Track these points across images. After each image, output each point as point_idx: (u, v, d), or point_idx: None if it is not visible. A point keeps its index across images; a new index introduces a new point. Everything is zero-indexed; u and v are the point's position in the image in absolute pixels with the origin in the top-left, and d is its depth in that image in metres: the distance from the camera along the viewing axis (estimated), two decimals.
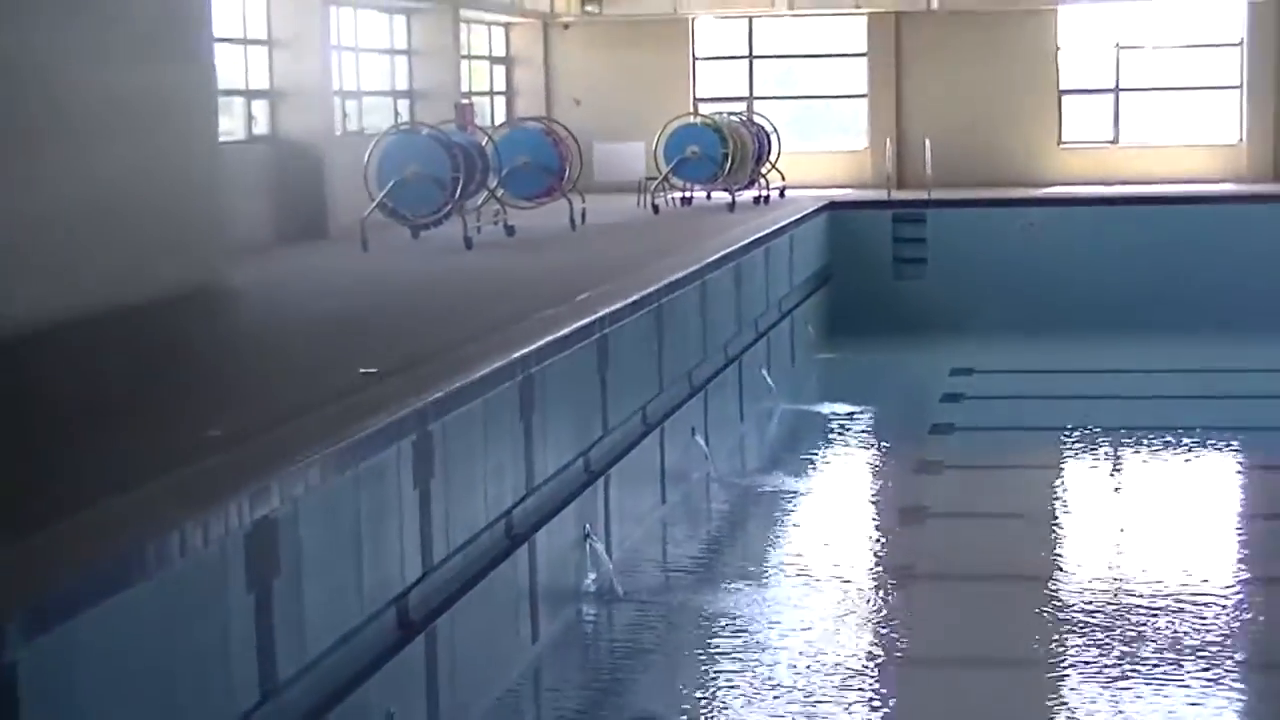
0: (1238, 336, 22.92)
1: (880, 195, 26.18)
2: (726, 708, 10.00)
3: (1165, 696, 10.06)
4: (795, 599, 12.06)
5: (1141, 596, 11.96)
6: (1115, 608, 11.71)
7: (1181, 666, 10.49)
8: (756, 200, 24.61)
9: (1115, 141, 28.35)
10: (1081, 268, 24.76)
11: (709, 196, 24.79)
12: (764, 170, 25.05)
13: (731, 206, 23.53)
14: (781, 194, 25.36)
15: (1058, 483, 16.45)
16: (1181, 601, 11.78)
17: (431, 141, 18.43)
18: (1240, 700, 10.27)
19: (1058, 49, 28.22)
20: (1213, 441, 17.45)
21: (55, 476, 7.36)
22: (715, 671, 10.58)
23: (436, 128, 19.02)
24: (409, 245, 18.27)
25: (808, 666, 10.58)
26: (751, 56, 29.27)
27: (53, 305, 11.99)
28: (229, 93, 18.42)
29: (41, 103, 12.12)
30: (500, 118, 27.38)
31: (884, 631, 11.47)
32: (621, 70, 28.73)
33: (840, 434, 18.38)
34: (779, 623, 11.49)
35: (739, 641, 11.15)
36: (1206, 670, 10.44)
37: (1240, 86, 27.96)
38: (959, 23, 27.98)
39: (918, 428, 18.45)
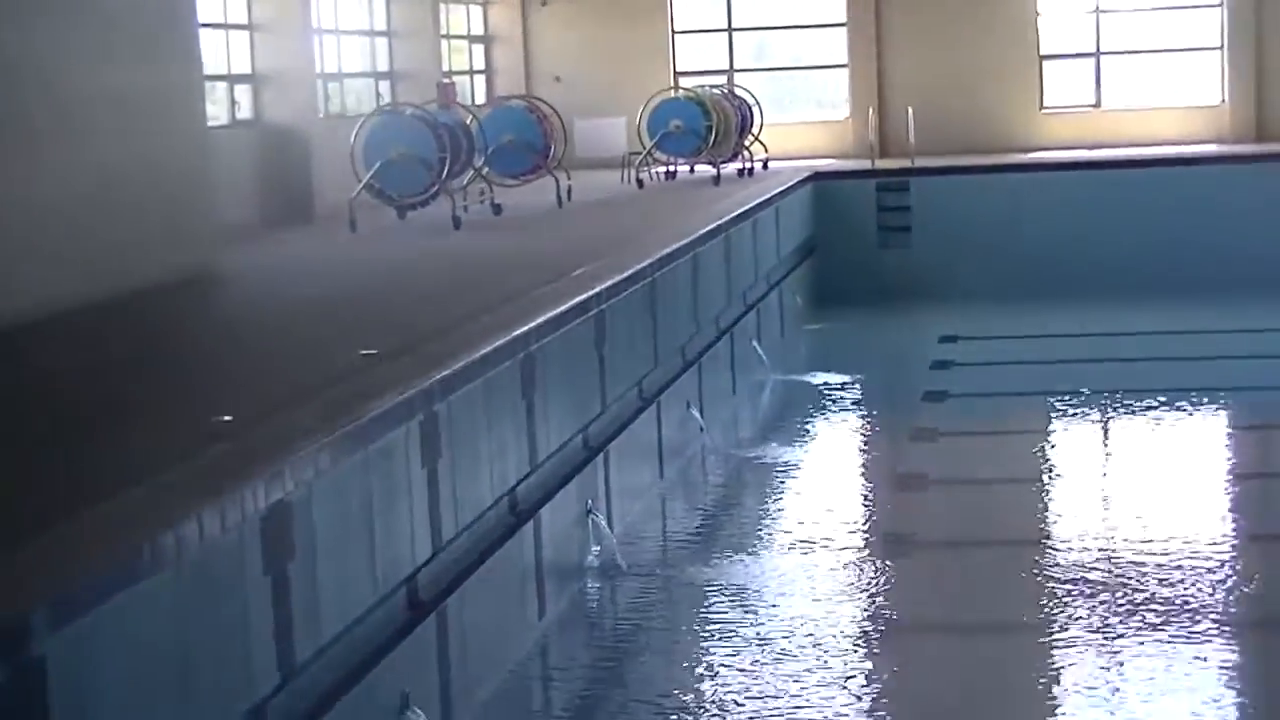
0: (1224, 297, 22.99)
1: (864, 165, 26.21)
2: (730, 679, 10.02)
3: (1165, 657, 10.12)
4: (796, 569, 12.09)
5: (1139, 558, 11.99)
6: (1114, 570, 11.74)
7: (1180, 626, 10.54)
8: (740, 173, 24.62)
9: (1097, 105, 28.39)
10: (1066, 232, 24.80)
11: (692, 170, 24.80)
12: (747, 143, 25.06)
13: (716, 180, 23.53)
14: (765, 166, 25.38)
15: (1052, 447, 16.50)
16: (1179, 562, 11.83)
17: (417, 122, 18.42)
18: (1237, 658, 10.33)
19: (1037, 14, 28.24)
20: (1203, 402, 17.51)
21: (69, 467, 7.35)
22: (718, 643, 10.61)
23: (422, 107, 19.00)
24: (397, 226, 18.27)
25: (810, 635, 10.60)
26: (730, 29, 29.26)
27: (52, 294, 11.99)
28: (212, 78, 18.37)
29: (38, 96, 12.11)
30: (480, 97, 27.36)
31: (886, 600, 11.50)
32: (600, 46, 28.71)
33: (833, 404, 18.41)
34: (781, 593, 11.54)
35: (741, 613, 11.19)
36: (1204, 629, 10.49)
37: (1221, 47, 28.01)
38: None
39: (910, 396, 18.48)
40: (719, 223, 17.49)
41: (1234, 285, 23.41)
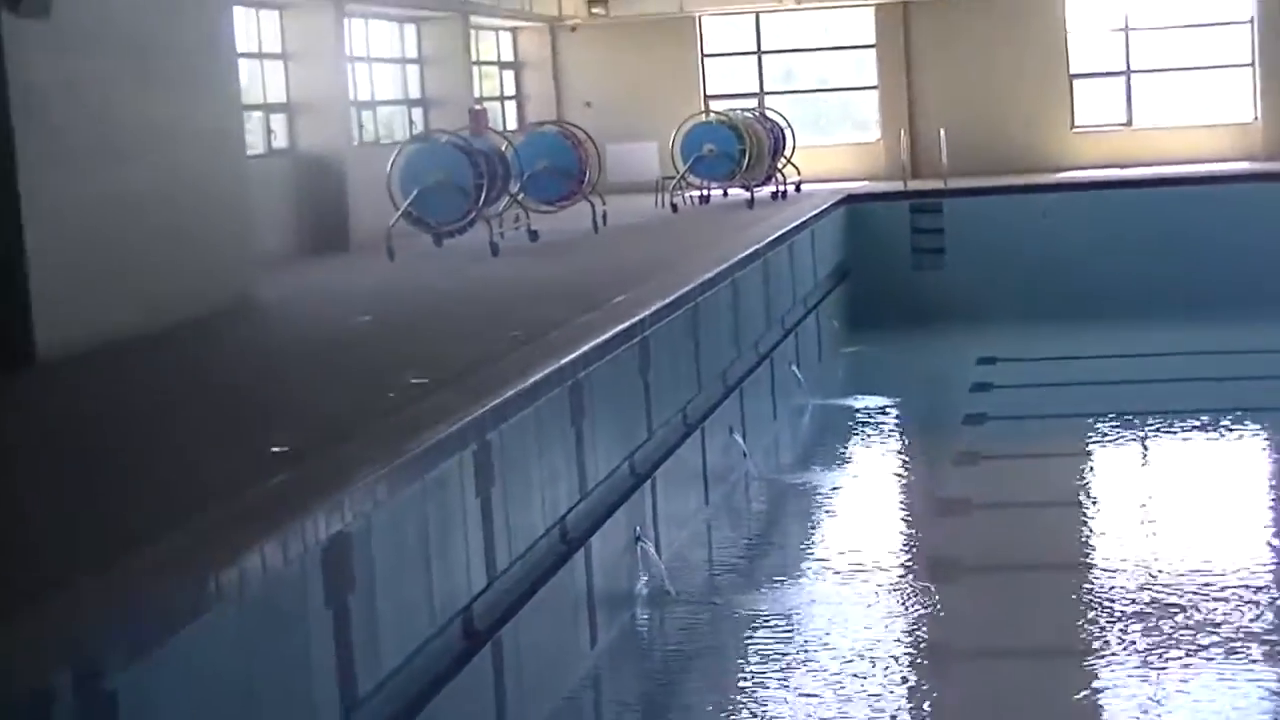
0: (1260, 315, 22.86)
1: (896, 186, 26.17)
2: (779, 707, 9.97)
3: (1210, 682, 10.03)
4: (842, 596, 12.04)
5: (1183, 582, 11.89)
6: (1159, 594, 11.63)
7: (1224, 650, 10.45)
8: (774, 196, 24.61)
9: (1128, 124, 28.34)
10: (1099, 252, 24.71)
11: (725, 194, 24.78)
12: (779, 165, 25.04)
13: (750, 203, 23.51)
14: (798, 188, 25.36)
15: (1094, 470, 16.43)
16: (1222, 585, 11.71)
17: (453, 149, 18.42)
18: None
19: (1067, 33, 28.20)
20: (1243, 423, 17.40)
21: (126, 501, 7.33)
22: (766, 670, 10.56)
23: (458, 134, 19.01)
24: (434, 253, 18.26)
25: (857, 662, 10.54)
26: (760, 52, 29.27)
27: (97, 325, 12.01)
28: (248, 107, 18.39)
29: (80, 126, 12.13)
30: (511, 123, 27.39)
31: (931, 625, 11.43)
32: (630, 71, 28.74)
33: (872, 428, 18.36)
34: (828, 619, 11.47)
35: (788, 640, 11.13)
36: (1249, 653, 10.41)
37: (1252, 64, 27.96)
38: (967, 10, 27.98)
39: (950, 419, 18.40)
40: (757, 247, 17.46)
41: (1270, 303, 23.28)
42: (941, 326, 23.87)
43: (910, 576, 12.64)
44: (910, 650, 10.94)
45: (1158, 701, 9.79)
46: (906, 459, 17.35)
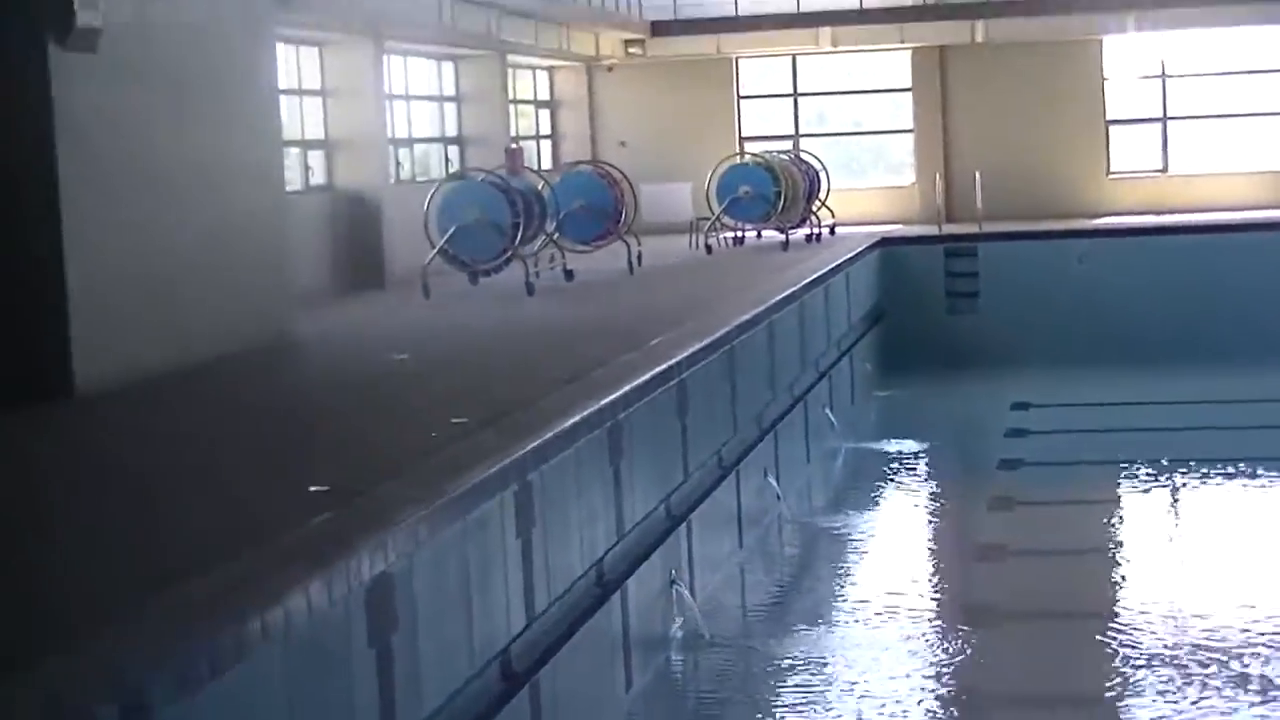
0: None
1: (931, 230, 26.15)
2: None
3: None
4: (876, 641, 11.99)
5: (1219, 631, 11.82)
6: (1196, 643, 11.58)
7: (1260, 701, 10.40)
8: (808, 238, 24.59)
9: (1164, 170, 28.30)
10: (1135, 298, 24.68)
11: (759, 235, 24.78)
12: (814, 208, 25.04)
13: (785, 245, 23.50)
14: (832, 231, 25.35)
15: (1130, 517, 16.36)
16: (1258, 635, 11.68)
17: (490, 187, 18.45)
18: None
19: (1104, 79, 28.19)
20: (1278, 472, 17.35)
21: (168, 539, 7.32)
22: (800, 715, 10.52)
23: (494, 173, 19.04)
24: (469, 292, 18.27)
25: (891, 708, 10.51)
26: (796, 94, 29.29)
27: (138, 360, 12.04)
28: (286, 143, 18.44)
29: (121, 162, 12.18)
30: (546, 162, 27.44)
31: (966, 673, 11.36)
32: (666, 111, 28.79)
33: (906, 472, 18.31)
34: (862, 665, 11.42)
35: (822, 685, 11.09)
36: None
37: None
38: (1004, 54, 27.98)
39: (985, 463, 18.37)
40: (792, 289, 17.44)
41: None
42: (976, 371, 23.83)
43: (945, 622, 12.58)
44: (944, 696, 10.90)
45: None
46: (941, 504, 17.29)
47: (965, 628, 12.35)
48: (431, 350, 13.97)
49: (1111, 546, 14.93)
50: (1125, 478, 17.30)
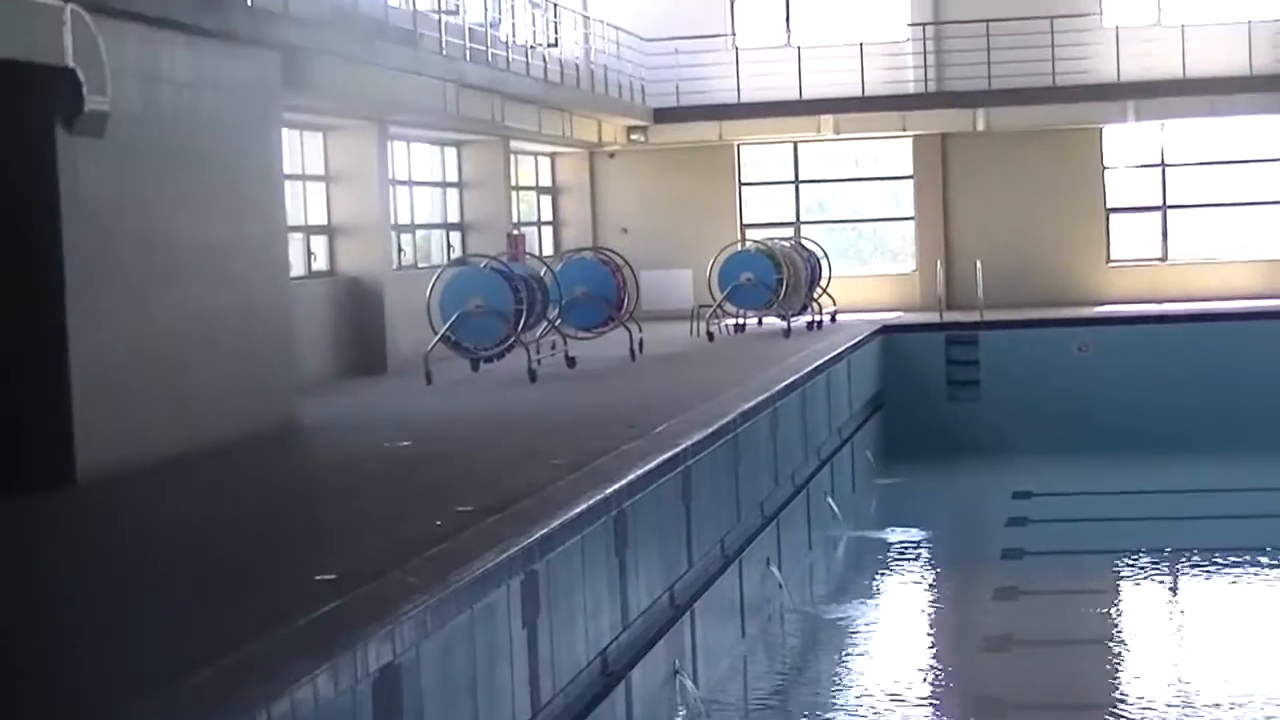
0: None
1: (932, 318, 26.17)
2: None
3: None
4: None
5: None
6: None
7: None
8: (810, 325, 24.59)
9: (1164, 258, 28.33)
10: (1135, 386, 24.67)
11: (760, 322, 24.78)
12: (816, 295, 25.05)
13: (787, 333, 23.49)
14: (834, 318, 25.36)
15: (1134, 607, 16.30)
16: None
17: (493, 274, 18.45)
18: None
19: (1104, 167, 28.27)
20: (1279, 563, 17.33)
21: (176, 628, 7.28)
22: None
23: (497, 259, 19.05)
24: (471, 379, 18.23)
25: None
26: (797, 181, 29.37)
27: (143, 444, 12.01)
28: (290, 229, 18.45)
29: (130, 246, 12.20)
30: (548, 247, 27.47)
31: None
32: (667, 197, 28.85)
33: (910, 561, 18.24)
34: None
35: None
36: None
37: None
38: (1005, 142, 28.07)
39: (988, 553, 18.32)
40: (795, 377, 17.41)
41: None
42: (976, 459, 23.80)
43: (950, 714, 12.50)
44: None
45: None
46: (943, 593, 17.21)
47: (973, 719, 12.27)
48: (435, 437, 13.93)
49: (1116, 637, 14.86)
50: (1128, 567, 17.25)
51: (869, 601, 16.32)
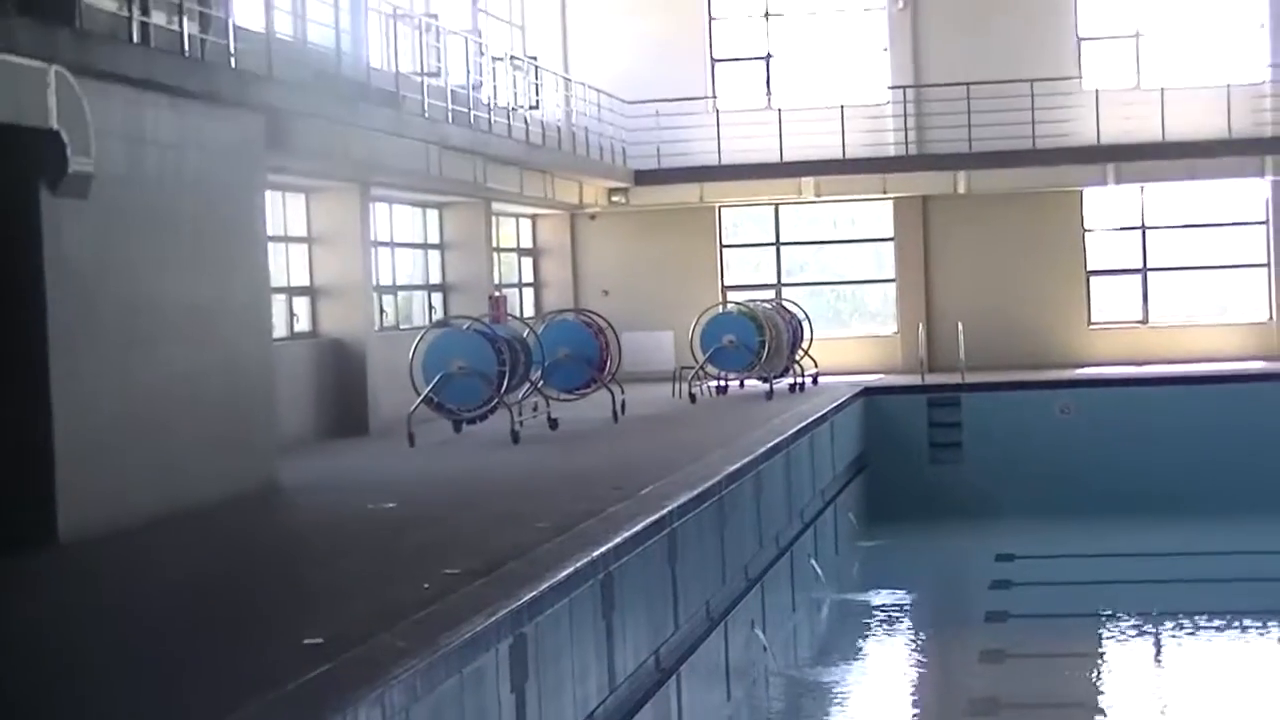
0: (1277, 516, 22.79)
1: (914, 380, 26.17)
2: None
3: None
4: None
5: None
6: None
7: None
8: (792, 388, 24.56)
9: (1145, 321, 28.38)
10: (1117, 448, 24.68)
11: (742, 385, 24.75)
12: (798, 357, 25.04)
13: (769, 395, 23.47)
14: (815, 381, 25.34)
15: (1120, 670, 16.26)
16: None
17: (477, 335, 18.41)
18: None
19: (1085, 230, 28.34)
20: (1264, 625, 17.28)
21: (161, 695, 7.20)
22: None
23: (480, 320, 19.02)
24: (454, 440, 18.17)
25: None
26: (779, 243, 29.40)
27: (125, 507, 11.94)
28: (273, 290, 18.40)
29: (117, 308, 12.16)
30: (529, 309, 27.45)
31: None
32: (648, 259, 28.85)
33: (894, 623, 18.19)
34: None
35: None
36: None
37: (1268, 264, 28.05)
38: (986, 205, 28.13)
39: (971, 615, 18.25)
40: (779, 439, 17.38)
41: None
42: (959, 521, 23.76)
43: None
44: None
45: None
46: (929, 656, 17.14)
47: None
48: (419, 499, 13.86)
49: (1102, 701, 14.79)
50: (1113, 630, 17.22)
51: (853, 664, 16.26)
